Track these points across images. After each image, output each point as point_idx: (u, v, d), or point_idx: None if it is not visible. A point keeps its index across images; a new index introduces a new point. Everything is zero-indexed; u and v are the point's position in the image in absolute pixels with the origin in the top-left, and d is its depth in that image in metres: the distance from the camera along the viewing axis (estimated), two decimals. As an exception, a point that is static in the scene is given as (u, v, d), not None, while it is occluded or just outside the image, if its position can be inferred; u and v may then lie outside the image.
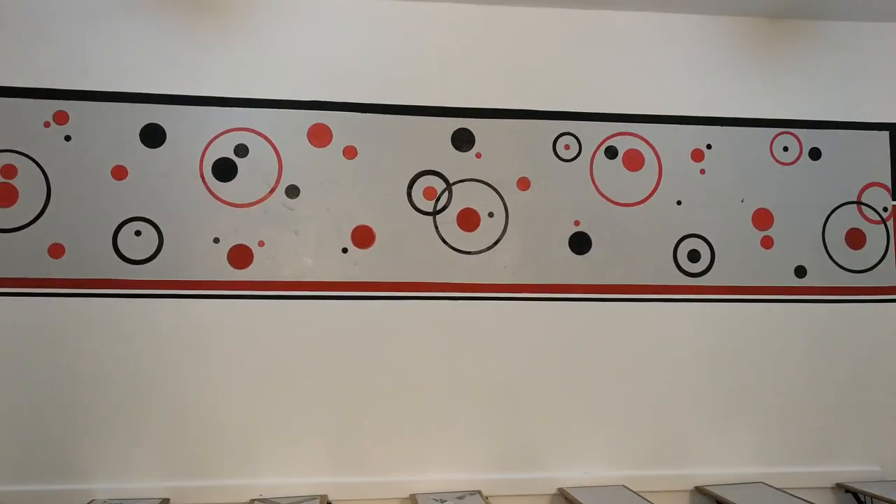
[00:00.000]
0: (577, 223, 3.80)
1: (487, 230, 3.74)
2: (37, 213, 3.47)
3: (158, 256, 3.52)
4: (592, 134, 3.84)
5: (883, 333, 3.94)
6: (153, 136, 3.56)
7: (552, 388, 3.72)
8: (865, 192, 4.01)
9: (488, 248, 3.74)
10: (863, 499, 3.70)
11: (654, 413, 3.77)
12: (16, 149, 3.47)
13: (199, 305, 3.52)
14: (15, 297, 3.43)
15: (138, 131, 3.55)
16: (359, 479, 3.54)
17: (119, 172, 3.52)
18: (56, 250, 3.46)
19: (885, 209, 4.01)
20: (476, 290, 3.71)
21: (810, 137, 3.99)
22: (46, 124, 3.50)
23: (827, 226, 3.96)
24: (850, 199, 3.99)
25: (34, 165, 3.48)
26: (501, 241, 3.74)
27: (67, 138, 3.51)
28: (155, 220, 3.53)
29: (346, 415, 3.58)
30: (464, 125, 3.76)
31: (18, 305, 3.43)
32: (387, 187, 3.69)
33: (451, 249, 3.71)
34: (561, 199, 3.80)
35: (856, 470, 3.83)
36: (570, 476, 3.66)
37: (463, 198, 3.74)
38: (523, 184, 3.78)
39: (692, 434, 3.78)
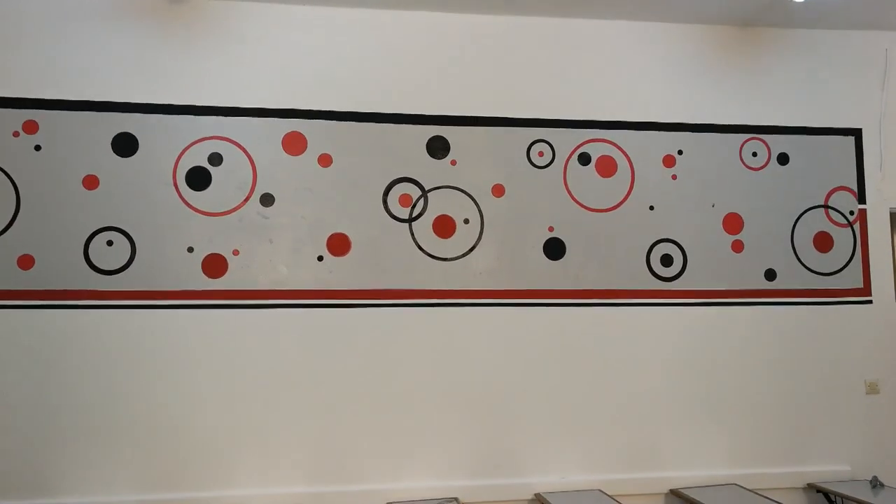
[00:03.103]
0: (551, 229, 3.83)
1: (463, 237, 3.76)
2: (6, 223, 3.42)
3: (131, 266, 3.49)
4: (566, 141, 3.88)
5: (851, 335, 4.02)
6: (126, 145, 3.53)
7: (528, 392, 3.74)
8: (832, 195, 4.09)
9: (464, 255, 3.75)
10: (833, 498, 3.77)
11: (629, 416, 3.81)
12: (-16, 158, 3.43)
13: (173, 315, 3.50)
14: (-16, 308, 3.39)
15: (110, 140, 3.52)
16: (335, 488, 3.53)
17: (91, 182, 3.49)
18: (26, 261, 3.42)
19: (852, 213, 4.10)
20: (452, 297, 3.73)
21: (778, 143, 4.06)
22: (16, 134, 3.45)
23: (796, 229, 4.04)
24: (818, 203, 4.08)
25: (3, 175, 3.43)
26: (477, 248, 3.77)
27: (37, 148, 3.47)
28: (127, 230, 3.50)
29: (322, 423, 3.57)
30: (439, 133, 3.78)
31: (-13, 317, 3.39)
32: (362, 195, 3.70)
33: (426, 256, 3.72)
34: (535, 205, 3.83)
35: (826, 470, 3.90)
36: (547, 481, 3.68)
37: (438, 205, 3.75)
38: (498, 190, 3.81)
39: (666, 437, 3.83)
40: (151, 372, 3.47)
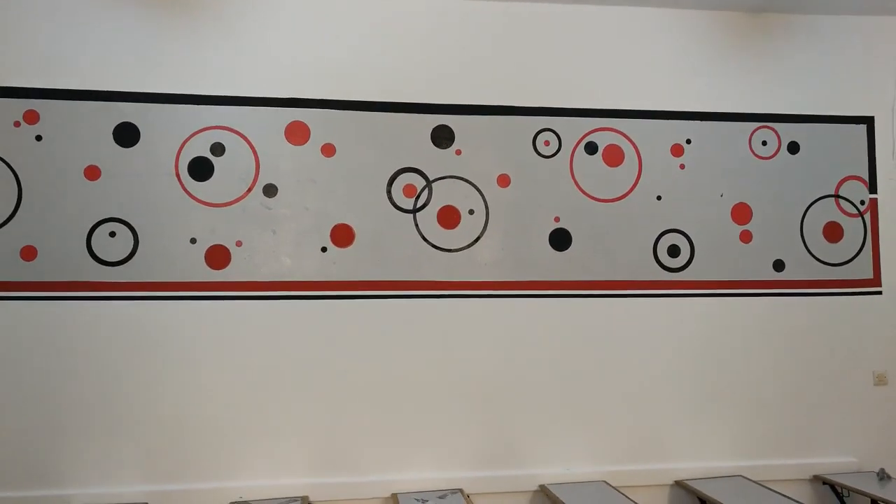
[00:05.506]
0: (557, 219, 3.79)
1: (468, 227, 3.72)
2: (8, 214, 3.40)
3: (134, 258, 3.47)
4: (572, 129, 3.82)
5: (859, 326, 3.98)
6: (127, 135, 3.50)
7: (533, 384, 3.72)
8: (843, 185, 4.03)
9: (469, 246, 3.72)
10: (839, 490, 3.75)
11: (634, 408, 3.79)
12: (-15, 149, 3.40)
13: (176, 307, 3.48)
14: (-13, 299, 3.37)
15: (111, 130, 3.49)
16: (340, 479, 3.53)
17: (92, 172, 3.46)
18: (28, 252, 3.40)
19: (863, 202, 4.04)
20: (456, 288, 3.70)
21: (789, 131, 4.00)
22: (17, 124, 3.42)
23: (805, 219, 3.98)
24: (829, 193, 4.02)
25: (4, 166, 3.40)
26: (482, 239, 3.73)
27: (38, 138, 3.44)
28: (130, 221, 3.47)
29: (326, 415, 3.56)
30: (443, 122, 3.73)
31: (-9, 308, 3.38)
32: (366, 185, 3.66)
33: (431, 247, 3.69)
34: (541, 195, 3.78)
35: (833, 462, 3.88)
36: (552, 472, 3.67)
37: (443, 195, 3.71)
38: (503, 180, 3.76)
39: (672, 428, 3.81)
40: (154, 363, 3.46)
